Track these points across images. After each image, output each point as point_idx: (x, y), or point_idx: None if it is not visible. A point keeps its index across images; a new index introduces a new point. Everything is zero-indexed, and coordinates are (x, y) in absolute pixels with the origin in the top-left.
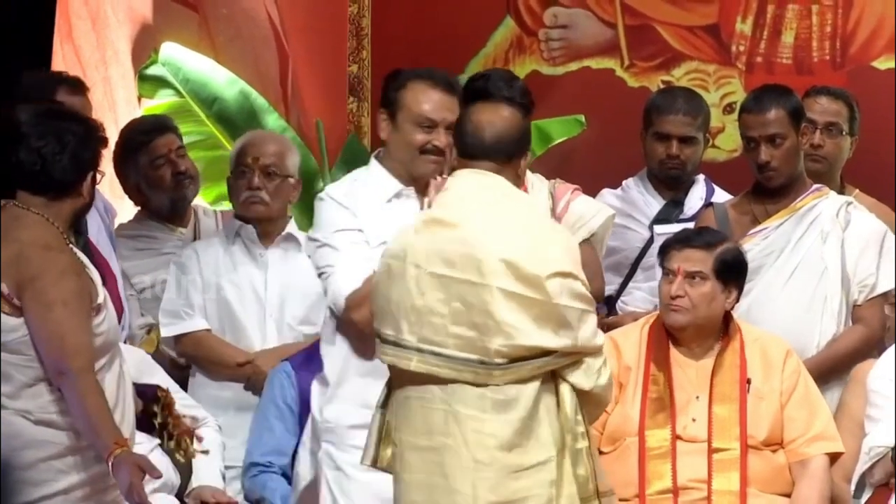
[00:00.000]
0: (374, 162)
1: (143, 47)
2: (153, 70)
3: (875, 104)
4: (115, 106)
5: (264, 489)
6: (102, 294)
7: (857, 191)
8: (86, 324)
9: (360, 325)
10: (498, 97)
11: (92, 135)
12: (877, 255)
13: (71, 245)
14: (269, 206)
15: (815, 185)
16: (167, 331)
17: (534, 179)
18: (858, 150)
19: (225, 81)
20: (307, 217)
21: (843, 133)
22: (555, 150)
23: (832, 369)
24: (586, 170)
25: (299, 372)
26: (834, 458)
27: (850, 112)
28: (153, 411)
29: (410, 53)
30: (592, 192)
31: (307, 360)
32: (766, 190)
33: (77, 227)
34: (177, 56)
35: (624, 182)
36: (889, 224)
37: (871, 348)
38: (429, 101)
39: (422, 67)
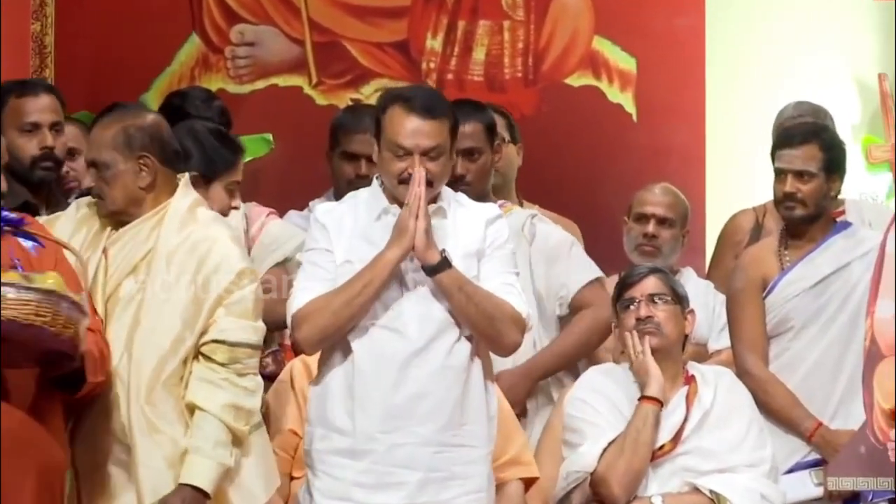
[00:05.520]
0: (374, 180)
1: None
2: None
3: (568, 121)
4: None
5: None
6: None
7: (538, 206)
8: None
9: (300, 344)
10: (196, 116)
11: None
12: (566, 265)
13: None
14: None
15: (499, 202)
16: None
17: None
18: (547, 167)
19: None
20: None
21: (506, 141)
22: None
23: (566, 361)
24: (274, 189)
25: None
26: (528, 482)
27: (507, 120)
28: None
29: (95, 71)
30: (280, 211)
31: None
32: None
33: None
34: None
35: (311, 202)
36: (573, 235)
37: (602, 329)
38: (403, 127)
39: (407, 88)
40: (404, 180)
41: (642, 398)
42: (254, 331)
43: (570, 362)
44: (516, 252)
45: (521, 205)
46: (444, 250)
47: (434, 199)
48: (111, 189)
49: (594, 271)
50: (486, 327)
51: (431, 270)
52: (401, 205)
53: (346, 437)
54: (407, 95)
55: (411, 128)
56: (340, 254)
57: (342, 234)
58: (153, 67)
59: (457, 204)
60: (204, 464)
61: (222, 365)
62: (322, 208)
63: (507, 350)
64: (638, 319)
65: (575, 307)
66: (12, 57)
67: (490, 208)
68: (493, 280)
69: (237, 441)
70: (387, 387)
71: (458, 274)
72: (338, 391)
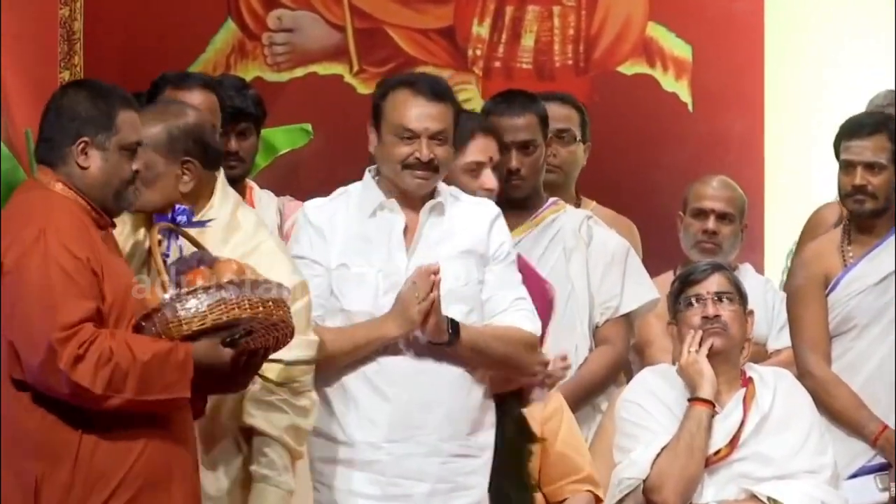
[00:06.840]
0: (366, 175)
1: None
2: None
3: (621, 111)
4: None
5: None
6: None
7: (595, 203)
8: None
9: None
10: (229, 105)
11: None
12: (621, 275)
13: None
14: None
15: (552, 199)
16: None
17: (262, 195)
18: (599, 159)
19: None
20: None
21: (577, 140)
22: (280, 161)
23: (584, 396)
24: (313, 182)
25: None
26: (597, 501)
27: (581, 117)
28: None
29: (125, 59)
30: None
31: None
32: (504, 203)
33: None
34: None
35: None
36: (630, 235)
37: (619, 369)
38: (410, 110)
39: (409, 74)
40: (409, 165)
41: (693, 400)
42: (308, 345)
43: (585, 398)
44: (574, 252)
45: (578, 202)
46: (450, 321)
47: (432, 194)
48: (149, 190)
49: (650, 291)
50: (503, 367)
51: (442, 345)
52: (398, 197)
53: (348, 447)
54: (412, 80)
55: (419, 111)
56: (335, 256)
57: (336, 234)
58: (187, 54)
59: (453, 199)
60: (273, 493)
61: (278, 384)
62: (312, 206)
63: (528, 373)
64: (705, 318)
65: (598, 338)
66: (40, 43)
67: (488, 206)
68: (504, 295)
69: (294, 462)
70: (391, 396)
71: (467, 337)
72: (340, 400)
